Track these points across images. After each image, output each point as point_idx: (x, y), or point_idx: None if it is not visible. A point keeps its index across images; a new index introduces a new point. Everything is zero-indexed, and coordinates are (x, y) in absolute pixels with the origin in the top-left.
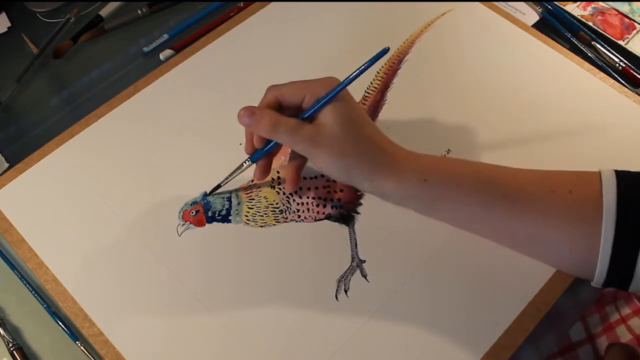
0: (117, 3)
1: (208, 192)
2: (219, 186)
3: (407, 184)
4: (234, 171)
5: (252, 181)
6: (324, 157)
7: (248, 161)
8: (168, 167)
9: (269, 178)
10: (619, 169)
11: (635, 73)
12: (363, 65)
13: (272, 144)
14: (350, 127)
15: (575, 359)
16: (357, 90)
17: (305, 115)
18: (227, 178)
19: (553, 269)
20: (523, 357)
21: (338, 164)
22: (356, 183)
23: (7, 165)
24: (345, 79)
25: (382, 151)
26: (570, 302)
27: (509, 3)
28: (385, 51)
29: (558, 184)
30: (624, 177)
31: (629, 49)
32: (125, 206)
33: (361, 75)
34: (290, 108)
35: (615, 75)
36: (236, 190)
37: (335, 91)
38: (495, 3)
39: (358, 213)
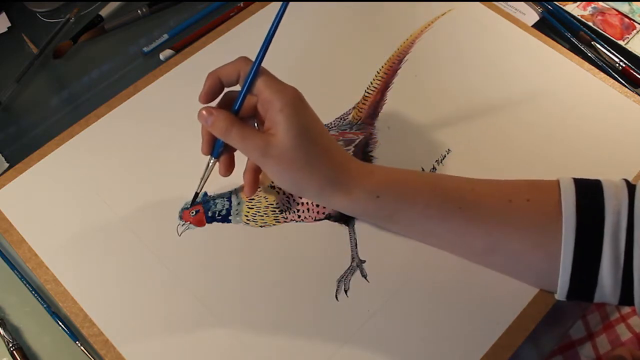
0: (117, 3)
1: (190, 204)
2: (197, 194)
3: (359, 200)
4: (204, 173)
5: None
6: (273, 168)
7: (212, 159)
8: (168, 167)
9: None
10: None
11: (635, 73)
12: (270, 30)
13: (220, 142)
14: (302, 140)
15: (574, 357)
16: (357, 90)
17: (236, 107)
18: (200, 184)
19: None
20: (523, 355)
21: (287, 177)
22: (306, 197)
23: (7, 165)
24: (259, 52)
25: (334, 166)
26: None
27: (509, 3)
28: (284, 5)
29: (515, 194)
30: (583, 185)
31: (629, 49)
32: (125, 206)
33: (361, 76)
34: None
35: (615, 75)
36: (236, 190)
37: (255, 65)
38: (495, 3)
39: None
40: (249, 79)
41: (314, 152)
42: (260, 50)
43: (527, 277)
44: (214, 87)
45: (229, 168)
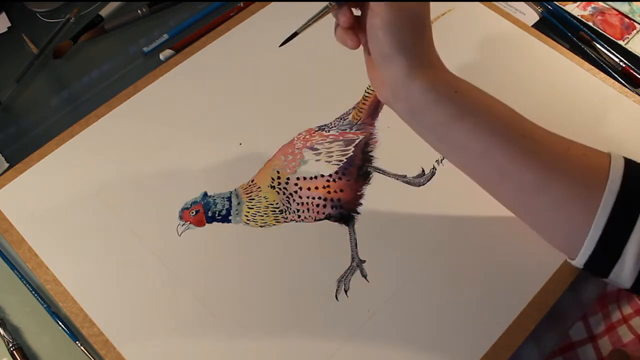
0: (117, 3)
1: (280, 44)
2: (295, 34)
3: (440, 87)
4: (315, 16)
5: (252, 181)
6: (391, 15)
7: (331, 2)
8: (168, 167)
9: (268, 178)
10: None
11: (635, 73)
12: None
13: None
14: (426, 12)
15: (575, 359)
16: (357, 90)
17: None
18: (304, 24)
19: (553, 268)
20: (524, 355)
21: (397, 30)
22: (392, 64)
23: (7, 165)
24: None
25: (433, 51)
26: (571, 301)
27: (509, 3)
28: None
29: (573, 146)
30: (631, 162)
31: (629, 49)
32: (125, 206)
33: (361, 76)
34: None
35: (615, 75)
36: (236, 190)
37: None
38: (495, 3)
39: (358, 213)
40: None
41: (428, 30)
42: None
43: (557, 230)
44: None
45: (351, 18)
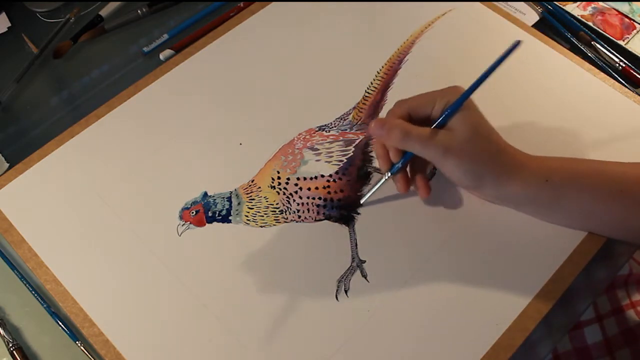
0: (117, 3)
1: (362, 201)
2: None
3: (531, 185)
4: (375, 187)
5: (253, 181)
6: (454, 163)
7: (388, 174)
8: (168, 167)
9: (268, 178)
10: None
11: (635, 73)
12: (492, 64)
13: (406, 156)
14: (479, 134)
15: (580, 337)
16: (357, 91)
17: (438, 123)
18: (371, 192)
19: (553, 269)
20: (534, 336)
21: (468, 170)
22: (482, 188)
23: (7, 165)
24: (475, 82)
25: (508, 156)
26: (583, 283)
27: (509, 3)
28: (516, 44)
29: None
30: None
31: (629, 49)
32: (125, 206)
33: (361, 76)
34: (418, 120)
35: (615, 75)
36: (236, 190)
37: (467, 95)
38: (495, 3)
39: (358, 213)
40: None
41: (491, 145)
42: (477, 81)
43: None
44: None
45: (407, 182)
